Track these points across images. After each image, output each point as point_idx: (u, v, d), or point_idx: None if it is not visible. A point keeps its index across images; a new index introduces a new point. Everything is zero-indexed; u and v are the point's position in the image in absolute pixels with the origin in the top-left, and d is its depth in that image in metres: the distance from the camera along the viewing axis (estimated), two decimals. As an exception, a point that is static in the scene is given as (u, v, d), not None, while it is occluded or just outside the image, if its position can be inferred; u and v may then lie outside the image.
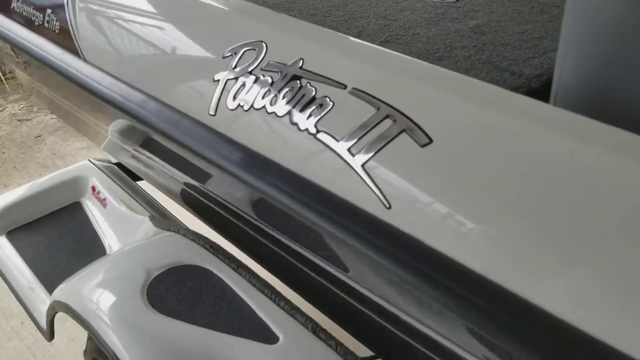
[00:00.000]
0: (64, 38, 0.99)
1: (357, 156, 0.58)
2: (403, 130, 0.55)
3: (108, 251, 1.23)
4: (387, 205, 0.56)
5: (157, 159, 1.01)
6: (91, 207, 1.39)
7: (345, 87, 0.62)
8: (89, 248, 1.27)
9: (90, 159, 1.45)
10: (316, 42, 0.69)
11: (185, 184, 0.98)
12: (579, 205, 0.46)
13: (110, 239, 1.26)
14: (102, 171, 1.42)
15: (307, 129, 0.63)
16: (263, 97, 0.67)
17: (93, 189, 1.40)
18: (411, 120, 0.56)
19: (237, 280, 0.90)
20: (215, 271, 0.93)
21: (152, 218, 1.17)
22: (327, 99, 0.62)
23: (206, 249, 0.95)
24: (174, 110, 0.78)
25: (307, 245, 0.71)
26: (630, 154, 0.48)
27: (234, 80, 0.71)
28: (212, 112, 0.74)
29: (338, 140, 0.60)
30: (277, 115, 0.66)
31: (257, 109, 0.68)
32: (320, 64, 0.65)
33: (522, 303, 0.45)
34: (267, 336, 0.83)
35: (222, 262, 0.92)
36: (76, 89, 0.98)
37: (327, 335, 0.79)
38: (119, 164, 1.41)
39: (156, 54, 0.84)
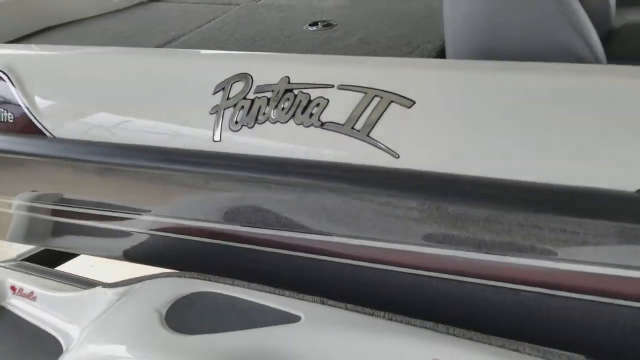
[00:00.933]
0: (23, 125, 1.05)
1: (361, 130, 0.80)
2: (394, 100, 0.79)
3: (63, 339, 1.23)
4: (396, 155, 0.78)
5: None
6: (19, 306, 1.38)
7: (333, 86, 0.84)
8: (38, 345, 1.27)
9: (-3, 264, 1.44)
10: (293, 62, 0.90)
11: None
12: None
13: (61, 327, 1.26)
14: (15, 269, 1.42)
15: (312, 125, 0.83)
16: (264, 113, 0.86)
17: (13, 288, 1.38)
18: (391, 93, 0.80)
19: (234, 289, 1.01)
20: (212, 289, 1.05)
21: (105, 285, 1.22)
22: (322, 98, 0.83)
23: (187, 277, 1.06)
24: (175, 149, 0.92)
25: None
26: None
27: (232, 108, 0.88)
28: (217, 139, 0.89)
29: (343, 124, 0.81)
30: (282, 122, 0.85)
31: (261, 123, 0.86)
32: (304, 76, 0.86)
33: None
34: (289, 318, 0.97)
35: (212, 281, 1.03)
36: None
37: (335, 302, 0.96)
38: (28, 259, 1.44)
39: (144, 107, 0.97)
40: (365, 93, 0.81)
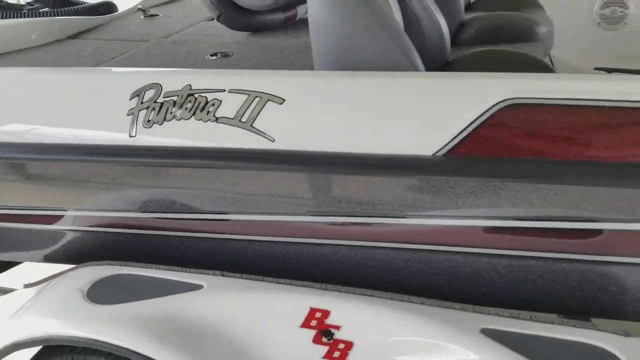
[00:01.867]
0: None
1: (246, 122, 1.07)
2: (270, 99, 1.07)
3: None
4: (272, 140, 1.06)
5: None
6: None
7: (224, 90, 1.10)
8: None
9: None
10: (194, 73, 1.16)
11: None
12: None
13: None
14: None
15: (209, 120, 1.09)
16: (171, 112, 1.11)
17: None
18: (269, 95, 1.08)
19: (147, 270, 1.21)
20: (127, 272, 1.24)
21: (27, 285, 1.39)
22: (216, 99, 1.10)
23: (104, 264, 1.25)
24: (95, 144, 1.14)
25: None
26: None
27: (145, 110, 1.12)
28: (132, 135, 1.13)
29: (232, 118, 1.08)
30: (185, 119, 1.10)
31: (169, 120, 1.11)
32: (202, 83, 1.12)
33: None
34: (193, 287, 1.19)
35: (127, 266, 1.23)
36: None
37: (233, 274, 1.19)
38: None
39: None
40: (249, 94, 1.09)
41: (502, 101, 0.97)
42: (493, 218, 1.05)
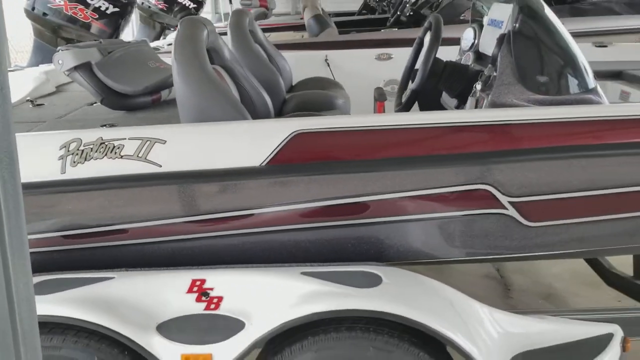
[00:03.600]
0: None
1: (142, 156, 1.71)
2: (156, 142, 1.73)
3: None
4: (159, 165, 1.71)
5: None
6: None
7: (125, 138, 1.74)
8: None
9: None
10: (105, 131, 1.78)
11: None
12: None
13: None
14: None
15: (116, 157, 1.71)
16: (89, 154, 1.71)
17: None
18: (155, 139, 1.73)
19: (69, 274, 1.77)
20: (55, 277, 1.77)
21: None
22: (121, 144, 1.72)
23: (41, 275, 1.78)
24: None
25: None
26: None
27: (71, 155, 1.71)
28: (63, 173, 1.70)
29: (132, 155, 1.71)
30: (100, 159, 1.71)
31: (89, 160, 1.71)
32: (110, 135, 1.74)
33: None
34: (107, 279, 1.76)
35: (54, 273, 1.77)
36: None
37: (136, 268, 1.80)
38: None
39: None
40: (142, 139, 1.74)
41: (295, 131, 1.74)
42: (304, 202, 1.78)
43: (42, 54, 4.18)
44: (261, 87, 2.55)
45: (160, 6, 6.75)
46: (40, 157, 1.75)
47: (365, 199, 1.78)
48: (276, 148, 1.72)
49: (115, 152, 1.72)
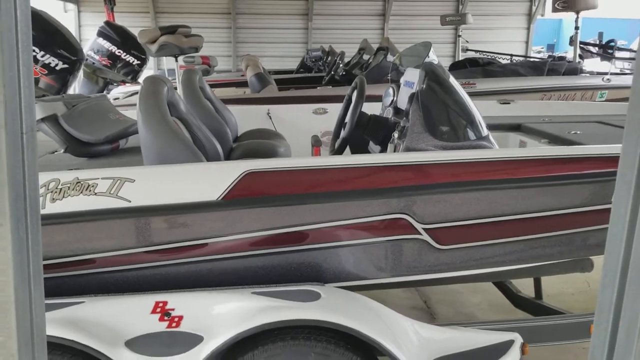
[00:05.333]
0: None
1: (113, 192, 1.99)
2: (126, 180, 2.01)
3: None
4: (129, 201, 1.99)
5: None
6: None
7: (98, 177, 2.01)
8: None
9: None
10: (80, 172, 2.05)
11: None
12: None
13: None
14: None
15: (91, 194, 1.98)
16: (67, 192, 1.97)
17: None
18: (125, 178, 2.02)
19: None
20: None
21: None
22: (95, 183, 2.00)
23: None
24: None
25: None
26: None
27: (50, 193, 1.96)
28: (43, 207, 1.95)
29: (105, 191, 1.99)
30: (76, 195, 1.97)
31: (67, 197, 1.97)
32: (86, 175, 2.02)
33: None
34: (76, 303, 2.01)
35: None
36: None
37: (105, 294, 2.05)
38: None
39: None
40: (114, 179, 2.02)
41: (246, 171, 2.08)
42: (254, 231, 2.10)
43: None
44: (212, 136, 2.88)
45: (104, 62, 6.99)
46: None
47: (304, 227, 2.13)
48: (230, 185, 2.05)
49: (90, 190, 1.99)
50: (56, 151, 2.87)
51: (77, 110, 2.79)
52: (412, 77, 2.63)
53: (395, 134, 2.48)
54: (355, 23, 13.58)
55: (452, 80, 2.49)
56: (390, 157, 2.26)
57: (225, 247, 2.11)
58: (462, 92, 2.47)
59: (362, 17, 13.78)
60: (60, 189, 1.99)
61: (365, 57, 6.53)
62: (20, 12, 0.98)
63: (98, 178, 2.02)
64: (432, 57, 2.79)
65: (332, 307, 1.99)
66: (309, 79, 7.51)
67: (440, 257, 2.24)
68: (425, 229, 2.17)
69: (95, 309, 1.98)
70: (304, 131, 4.11)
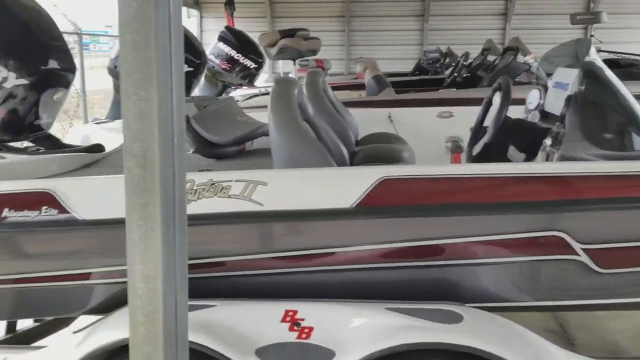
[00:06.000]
0: None
1: (247, 195, 1.94)
2: (259, 183, 1.95)
3: None
4: (262, 204, 1.92)
5: None
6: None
7: (232, 180, 1.97)
8: None
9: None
10: (213, 174, 2.03)
11: None
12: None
13: None
14: None
15: (225, 196, 1.94)
16: (203, 194, 1.95)
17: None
18: (258, 181, 1.96)
19: None
20: None
21: (75, 331, 2.07)
22: (229, 185, 1.96)
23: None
24: None
25: None
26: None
27: (190, 193, 1.96)
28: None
29: (239, 194, 1.94)
30: (211, 197, 1.94)
31: (201, 198, 1.95)
32: (219, 177, 1.98)
33: None
34: (208, 306, 1.97)
35: None
36: None
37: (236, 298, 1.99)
38: None
39: None
40: (247, 181, 1.97)
41: (382, 177, 1.93)
42: (390, 242, 1.95)
43: (120, 108, 4.62)
44: (338, 140, 2.78)
45: (223, 66, 7.23)
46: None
47: (443, 241, 1.94)
48: (365, 192, 1.92)
49: (224, 192, 1.95)
50: (186, 152, 2.92)
51: (208, 111, 2.82)
52: (565, 77, 2.35)
53: (547, 141, 2.22)
54: (474, 23, 13.02)
55: (616, 80, 2.18)
56: (546, 167, 2.00)
57: (356, 257, 1.98)
58: (628, 95, 2.15)
59: (482, 17, 13.18)
60: (196, 190, 1.97)
61: (490, 58, 6.17)
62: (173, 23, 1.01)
63: (232, 180, 1.98)
64: (593, 56, 2.48)
65: (477, 331, 1.79)
66: (427, 81, 7.25)
67: (599, 281, 1.96)
68: (584, 249, 1.89)
69: (226, 314, 1.93)
70: (427, 135, 3.91)
